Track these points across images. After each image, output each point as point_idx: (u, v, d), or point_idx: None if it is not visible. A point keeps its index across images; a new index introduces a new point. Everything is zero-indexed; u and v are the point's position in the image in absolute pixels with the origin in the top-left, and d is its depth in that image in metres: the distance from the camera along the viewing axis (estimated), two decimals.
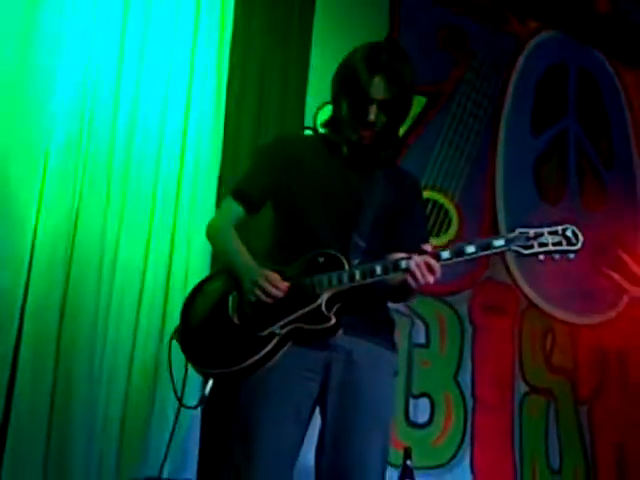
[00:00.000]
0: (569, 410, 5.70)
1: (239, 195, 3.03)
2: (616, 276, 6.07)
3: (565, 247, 2.76)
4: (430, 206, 5.24)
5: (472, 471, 5.20)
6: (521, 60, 6.03)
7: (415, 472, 4.56)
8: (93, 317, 4.18)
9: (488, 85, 5.83)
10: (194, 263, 4.42)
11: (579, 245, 2.76)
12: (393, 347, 2.99)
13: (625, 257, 6.12)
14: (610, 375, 5.90)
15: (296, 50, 4.91)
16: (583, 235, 2.77)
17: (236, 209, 3.02)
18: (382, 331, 2.97)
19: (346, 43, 4.73)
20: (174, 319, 4.18)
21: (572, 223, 2.82)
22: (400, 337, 5.02)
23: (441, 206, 5.38)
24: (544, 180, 5.99)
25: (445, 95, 5.59)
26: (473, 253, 2.76)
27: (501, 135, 5.86)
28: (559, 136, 6.12)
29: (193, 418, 4.15)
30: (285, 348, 2.80)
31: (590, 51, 6.37)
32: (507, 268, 5.59)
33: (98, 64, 4.35)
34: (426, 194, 5.09)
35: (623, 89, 6.51)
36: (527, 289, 5.66)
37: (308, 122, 4.78)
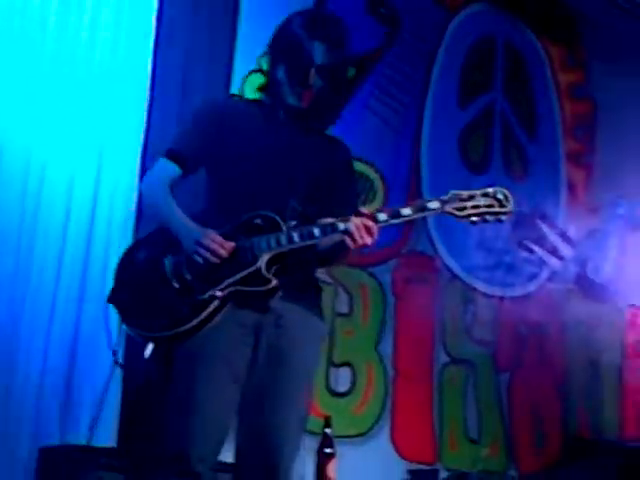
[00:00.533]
0: (488, 381, 5.79)
1: (174, 155, 2.99)
2: (537, 249, 6.15)
3: (497, 209, 2.82)
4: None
5: (392, 440, 5.24)
6: (450, 31, 6.04)
7: (335, 441, 4.58)
8: (14, 260, 4.11)
9: (416, 55, 5.82)
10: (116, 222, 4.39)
11: (510, 207, 2.81)
12: (321, 313, 3.03)
13: (546, 230, 6.20)
14: (529, 347, 5.98)
15: (223, 19, 4.86)
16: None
17: (171, 169, 2.97)
18: (312, 297, 3.01)
19: (275, 10, 4.77)
20: (95, 282, 4.22)
21: None
22: (323, 306, 5.03)
23: (366, 177, 5.38)
24: (469, 152, 6.03)
25: (372, 65, 5.57)
26: (409, 215, 2.82)
27: (428, 106, 5.87)
28: (485, 109, 6.16)
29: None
30: (224, 311, 2.80)
31: (518, 24, 6.40)
32: (430, 240, 5.63)
33: None
34: None
35: (549, 63, 6.57)
36: (449, 261, 5.71)
37: (234, 91, 4.75)
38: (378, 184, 5.43)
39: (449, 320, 5.67)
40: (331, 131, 3.19)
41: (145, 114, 4.53)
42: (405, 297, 5.48)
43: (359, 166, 5.22)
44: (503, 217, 2.83)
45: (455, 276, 5.73)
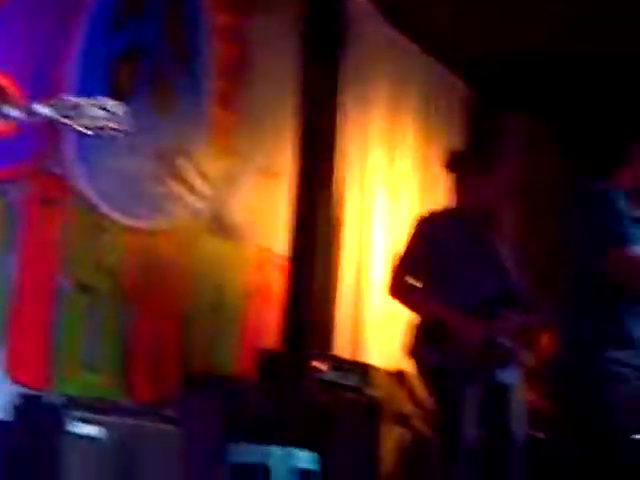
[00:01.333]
0: (113, 310, 5.75)
1: None
2: (174, 184, 6.17)
3: (111, 124, 2.69)
4: None
5: (4, 364, 5.07)
6: None
7: None
8: None
9: None
10: None
11: (126, 126, 2.71)
12: None
13: (186, 167, 6.24)
14: (158, 280, 6.01)
15: None
16: (136, 117, 2.73)
17: None
18: None
19: None
20: None
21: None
22: None
23: None
24: (117, 79, 5.90)
25: None
26: (12, 115, 2.62)
27: (79, 27, 5.67)
28: (137, 37, 6.06)
29: None
30: None
31: None
32: (66, 162, 5.46)
33: None
34: None
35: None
36: (85, 185, 5.57)
37: None
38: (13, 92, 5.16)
39: (78, 246, 5.55)
40: None
41: None
42: (33, 218, 5.29)
43: None
44: (116, 133, 2.70)
45: (89, 202, 5.59)
